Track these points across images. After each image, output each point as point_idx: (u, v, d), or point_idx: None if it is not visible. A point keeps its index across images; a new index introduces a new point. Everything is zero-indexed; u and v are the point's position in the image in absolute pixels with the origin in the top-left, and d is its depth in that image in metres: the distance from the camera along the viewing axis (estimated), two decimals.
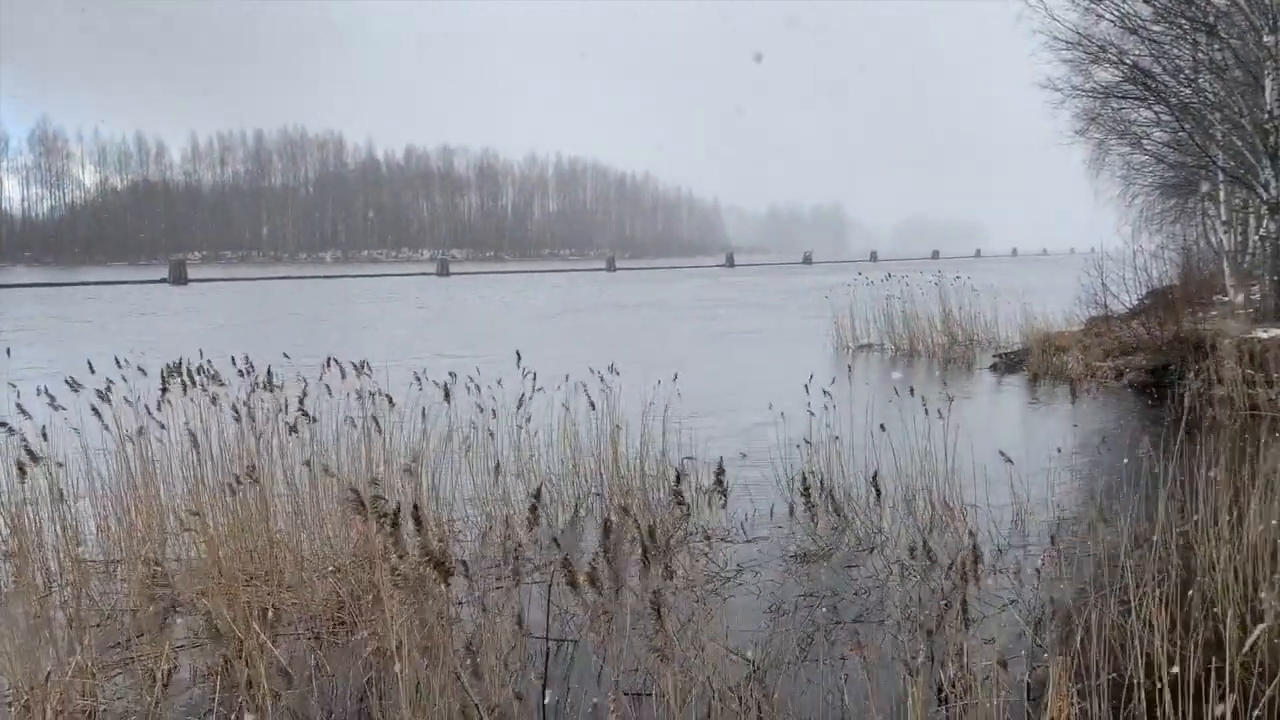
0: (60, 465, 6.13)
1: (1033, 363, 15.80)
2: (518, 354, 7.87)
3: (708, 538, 6.37)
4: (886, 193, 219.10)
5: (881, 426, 6.99)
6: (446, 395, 6.92)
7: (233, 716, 4.12)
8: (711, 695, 3.86)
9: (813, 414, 7.43)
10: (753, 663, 4.32)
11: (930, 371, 16.32)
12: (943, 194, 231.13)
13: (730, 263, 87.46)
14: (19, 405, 6.45)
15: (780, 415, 7.59)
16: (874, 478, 6.30)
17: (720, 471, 5.43)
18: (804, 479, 6.47)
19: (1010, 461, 6.53)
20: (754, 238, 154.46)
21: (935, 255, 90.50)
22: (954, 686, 3.78)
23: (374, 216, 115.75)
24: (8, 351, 8.56)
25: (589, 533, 6.81)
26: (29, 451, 5.61)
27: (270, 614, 5.02)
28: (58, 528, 5.95)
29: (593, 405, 7.57)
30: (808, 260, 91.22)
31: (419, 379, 7.46)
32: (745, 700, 3.78)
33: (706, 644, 4.25)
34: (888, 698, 3.93)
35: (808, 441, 7.19)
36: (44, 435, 6.08)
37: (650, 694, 4.04)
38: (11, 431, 5.93)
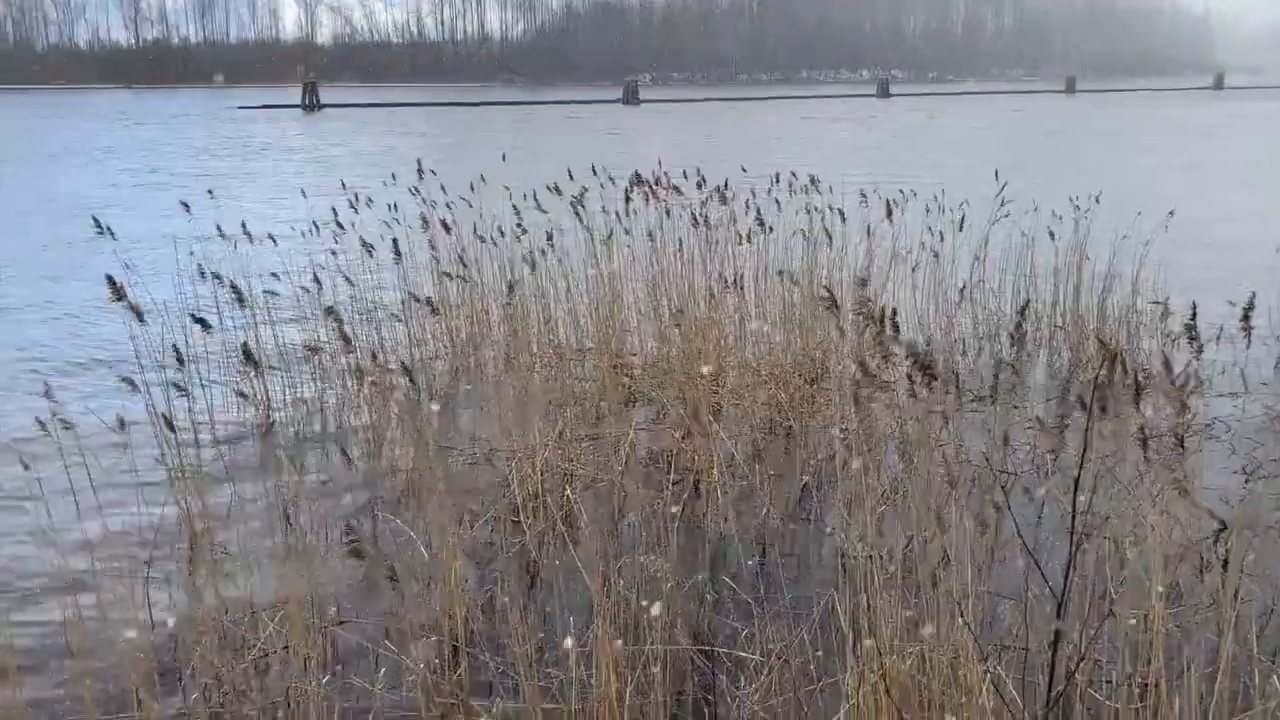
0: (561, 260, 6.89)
1: None
2: (996, 177, 7.46)
3: (1175, 383, 5.73)
4: None
5: None
6: (889, 213, 6.78)
7: (685, 495, 4.57)
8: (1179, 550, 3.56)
9: None
10: (1223, 521, 3.89)
11: None
12: None
13: (1219, 84, 74.35)
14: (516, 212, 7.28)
15: None
16: None
17: (1193, 314, 4.81)
18: None
19: None
20: (1251, 57, 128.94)
21: None
22: None
23: (815, 35, 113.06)
24: (503, 157, 10.16)
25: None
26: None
27: (718, 410, 5.47)
28: (540, 320, 6.78)
29: (1052, 234, 7.12)
30: None
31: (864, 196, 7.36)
32: (1207, 559, 3.45)
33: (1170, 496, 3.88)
34: None
35: None
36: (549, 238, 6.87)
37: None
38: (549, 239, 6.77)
